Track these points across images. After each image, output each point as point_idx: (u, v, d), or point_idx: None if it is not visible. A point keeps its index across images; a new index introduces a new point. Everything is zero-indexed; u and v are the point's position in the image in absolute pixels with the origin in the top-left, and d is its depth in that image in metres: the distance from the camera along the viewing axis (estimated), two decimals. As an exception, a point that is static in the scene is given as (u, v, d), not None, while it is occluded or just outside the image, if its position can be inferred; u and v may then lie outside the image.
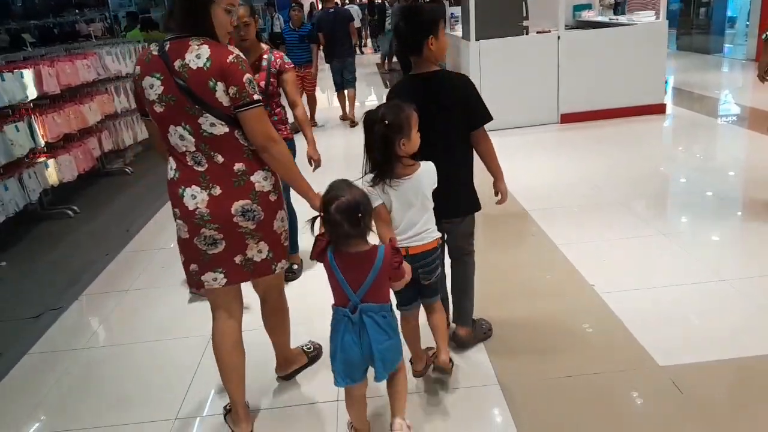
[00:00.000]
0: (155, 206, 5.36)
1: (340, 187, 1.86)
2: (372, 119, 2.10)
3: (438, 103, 2.34)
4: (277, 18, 15.79)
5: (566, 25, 8.06)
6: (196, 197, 2.03)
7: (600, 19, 8.05)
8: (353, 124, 7.88)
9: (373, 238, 1.97)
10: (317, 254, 1.94)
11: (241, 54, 1.98)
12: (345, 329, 1.95)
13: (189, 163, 2.02)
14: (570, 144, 6.20)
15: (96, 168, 6.25)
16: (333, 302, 1.98)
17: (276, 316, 2.46)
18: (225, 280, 2.13)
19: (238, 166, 2.03)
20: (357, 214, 1.81)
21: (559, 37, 6.61)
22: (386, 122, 2.06)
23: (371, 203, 1.97)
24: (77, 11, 8.37)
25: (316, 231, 1.92)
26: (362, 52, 18.50)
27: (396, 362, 2.06)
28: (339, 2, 12.47)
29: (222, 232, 2.05)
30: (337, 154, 6.67)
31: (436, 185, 2.22)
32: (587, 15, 8.13)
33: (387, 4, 13.86)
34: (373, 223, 1.95)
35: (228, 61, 1.91)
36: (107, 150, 6.43)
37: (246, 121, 1.96)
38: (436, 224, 2.30)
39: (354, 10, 19.41)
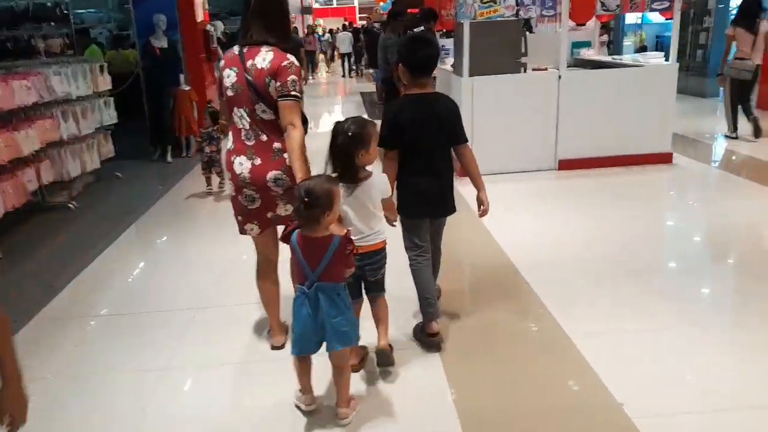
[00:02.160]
0: (93, 252, 4.59)
1: (317, 177, 2.28)
2: (338, 130, 2.46)
3: (434, 118, 2.76)
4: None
5: (564, 63, 7.54)
6: (242, 164, 2.64)
7: (601, 58, 7.52)
8: None
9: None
10: (284, 237, 2.31)
11: (296, 61, 2.59)
12: (302, 303, 2.25)
13: (242, 138, 2.64)
14: (570, 195, 5.57)
15: (32, 203, 5.45)
16: (296, 281, 2.32)
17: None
18: (258, 230, 2.80)
19: (276, 145, 2.62)
20: (310, 198, 2.12)
21: (560, 77, 6.03)
22: (350, 134, 2.42)
23: (330, 201, 2.18)
24: (35, 25, 7.64)
25: None
26: (313, 78, 18.06)
27: (349, 339, 2.30)
28: (333, 29, 13.48)
29: (258, 192, 2.66)
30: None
31: (387, 195, 2.60)
32: (586, 53, 7.60)
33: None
34: (335, 211, 2.22)
35: (282, 64, 2.54)
36: (48, 182, 5.64)
37: (281, 108, 2.54)
38: (430, 224, 2.91)
39: (346, 36, 19.16)
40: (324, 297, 2.21)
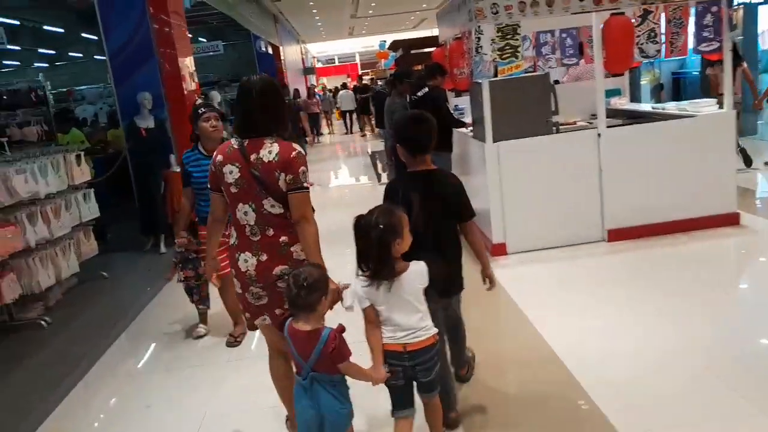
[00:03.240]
0: (59, 392, 3.71)
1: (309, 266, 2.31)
2: (366, 224, 2.28)
3: (437, 196, 2.69)
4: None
5: (592, 114, 6.75)
6: (248, 261, 2.56)
7: (637, 107, 6.72)
8: None
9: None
10: (278, 324, 2.45)
11: (302, 151, 2.55)
12: (300, 394, 2.25)
13: (247, 234, 2.57)
14: (629, 273, 4.65)
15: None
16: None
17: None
18: (270, 322, 2.65)
19: (283, 238, 2.55)
20: (300, 284, 2.17)
21: (599, 135, 5.20)
22: (381, 226, 2.25)
23: (321, 286, 2.21)
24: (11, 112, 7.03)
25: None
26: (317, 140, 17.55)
27: (344, 428, 2.30)
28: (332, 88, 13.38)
29: (265, 290, 2.57)
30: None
31: (426, 284, 2.37)
32: (618, 102, 6.80)
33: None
34: (321, 307, 2.21)
35: (291, 156, 2.47)
36: (12, 299, 4.82)
37: (292, 200, 2.48)
38: (438, 302, 2.64)
39: (348, 94, 18.78)
40: (320, 387, 2.21)
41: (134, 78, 7.11)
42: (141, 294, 5.67)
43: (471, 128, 6.03)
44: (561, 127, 5.53)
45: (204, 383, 3.81)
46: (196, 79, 7.70)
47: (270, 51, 18.31)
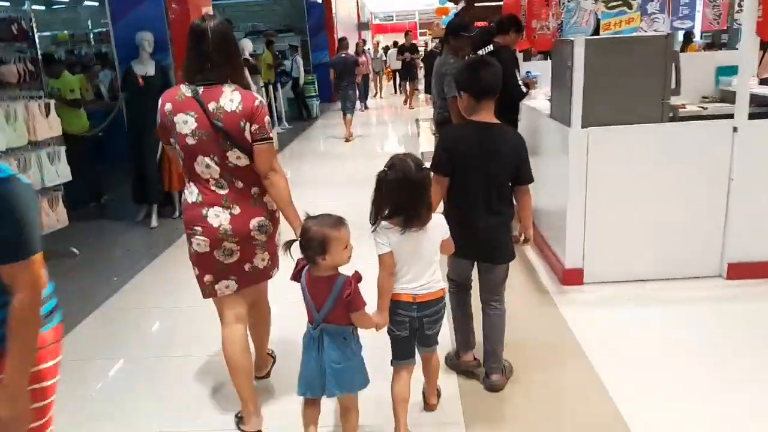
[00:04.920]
0: None
1: (323, 218, 2.12)
2: (404, 170, 2.15)
3: (498, 153, 2.52)
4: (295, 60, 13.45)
5: (704, 97, 5.11)
6: (219, 216, 2.39)
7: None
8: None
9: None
10: (294, 275, 2.21)
11: (264, 99, 2.51)
12: (309, 344, 2.20)
13: (212, 188, 2.40)
14: (750, 335, 3.18)
15: None
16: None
17: (264, 321, 2.85)
18: (236, 286, 2.50)
19: (255, 190, 2.45)
20: (302, 240, 2.10)
21: (735, 129, 3.64)
22: (422, 168, 2.19)
23: (323, 247, 2.06)
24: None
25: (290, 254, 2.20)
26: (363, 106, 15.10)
27: (352, 385, 2.22)
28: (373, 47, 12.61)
29: (240, 244, 2.42)
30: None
31: (448, 235, 2.33)
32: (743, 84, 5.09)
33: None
34: (335, 255, 2.07)
35: (255, 105, 2.35)
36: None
37: (258, 152, 2.36)
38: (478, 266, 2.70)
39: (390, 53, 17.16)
40: (328, 339, 2.15)
41: (134, 13, 5.85)
42: (106, 282, 4.50)
43: (544, 100, 4.55)
44: (680, 112, 4.00)
45: None
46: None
47: (321, 0, 16.80)
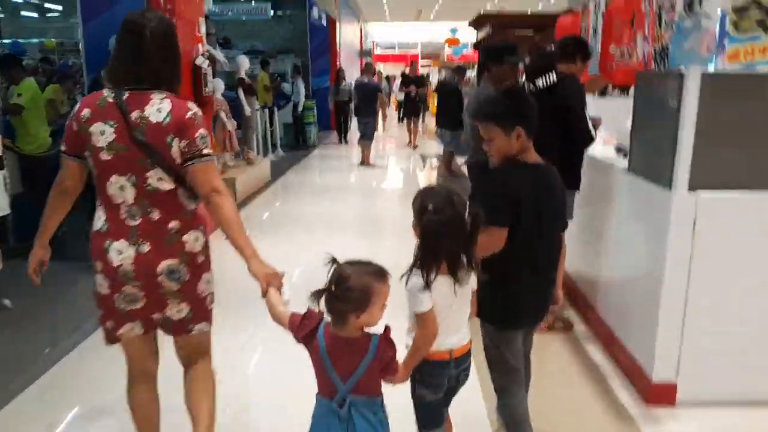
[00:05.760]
0: None
1: (362, 264, 1.74)
2: (446, 200, 1.86)
3: (554, 195, 2.22)
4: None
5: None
6: (122, 253, 1.98)
7: None
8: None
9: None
10: (306, 335, 1.76)
11: (199, 110, 2.05)
12: (330, 425, 1.76)
13: (122, 216, 2.00)
14: None
15: None
16: (317, 391, 1.79)
17: (199, 389, 2.27)
18: (142, 330, 2.11)
19: (173, 224, 2.02)
20: (339, 289, 1.68)
21: None
22: (468, 208, 1.89)
23: (365, 300, 1.68)
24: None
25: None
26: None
27: None
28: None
29: (144, 289, 2.01)
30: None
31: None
32: None
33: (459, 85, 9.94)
34: (373, 312, 1.71)
35: (186, 117, 1.97)
36: None
37: (194, 173, 1.97)
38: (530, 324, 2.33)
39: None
40: (359, 417, 1.73)
41: (109, 14, 4.88)
42: (40, 349, 3.45)
43: (606, 147, 3.60)
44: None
45: None
46: (203, 29, 5.40)
47: (325, 23, 16.01)
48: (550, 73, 3.40)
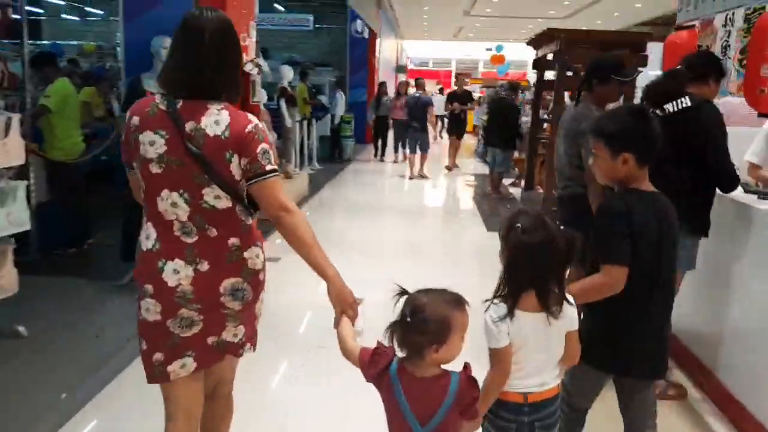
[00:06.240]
0: None
1: (436, 292, 1.59)
2: (547, 224, 1.70)
3: (671, 229, 2.00)
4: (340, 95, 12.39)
5: None
6: (179, 272, 1.81)
7: None
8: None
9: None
10: (377, 373, 1.60)
11: (260, 123, 1.88)
12: None
13: (176, 234, 1.82)
14: None
15: None
16: None
17: (220, 418, 2.15)
18: (194, 365, 1.90)
19: (233, 241, 1.86)
20: (415, 319, 1.52)
21: None
22: (563, 233, 1.74)
23: (443, 332, 1.52)
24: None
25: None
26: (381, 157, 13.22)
27: None
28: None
29: (203, 312, 1.85)
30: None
31: (575, 328, 1.79)
32: None
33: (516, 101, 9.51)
34: (452, 346, 1.54)
35: (246, 131, 1.80)
36: None
37: (257, 192, 1.83)
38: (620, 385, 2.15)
39: (440, 99, 15.82)
40: None
41: (153, 12, 4.45)
42: (57, 391, 2.95)
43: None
44: None
45: None
46: (253, 34, 4.95)
47: (366, 35, 15.64)
48: (684, 98, 2.83)
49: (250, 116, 1.86)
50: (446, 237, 7.23)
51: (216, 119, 1.78)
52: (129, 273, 4.55)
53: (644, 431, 2.18)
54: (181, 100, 1.79)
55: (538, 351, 1.75)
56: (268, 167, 1.82)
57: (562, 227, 1.76)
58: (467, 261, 6.08)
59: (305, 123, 10.41)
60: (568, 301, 1.75)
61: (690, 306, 3.10)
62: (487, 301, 1.72)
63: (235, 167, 1.80)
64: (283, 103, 8.76)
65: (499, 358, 1.72)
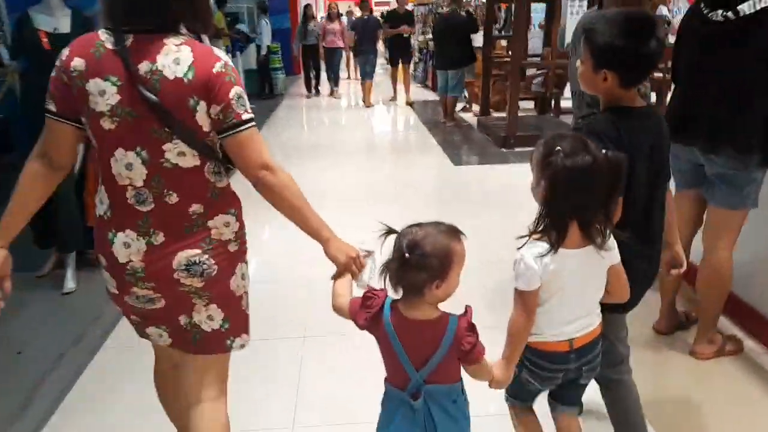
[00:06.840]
0: None
1: (431, 225, 1.46)
2: (589, 147, 1.51)
3: (665, 147, 1.86)
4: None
5: None
6: (130, 246, 1.55)
7: None
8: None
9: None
10: (369, 319, 1.49)
11: (230, 60, 1.54)
12: (403, 418, 1.54)
13: (129, 201, 1.55)
14: None
15: None
16: (386, 376, 1.56)
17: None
18: (170, 341, 1.68)
19: (195, 208, 1.56)
20: (413, 255, 1.40)
21: None
22: (610, 158, 1.52)
23: (445, 265, 1.42)
24: None
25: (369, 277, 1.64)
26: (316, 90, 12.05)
27: None
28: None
29: (160, 290, 1.58)
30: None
31: (618, 261, 1.65)
32: None
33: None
34: (451, 281, 1.43)
35: (215, 71, 1.47)
36: None
37: (232, 149, 1.54)
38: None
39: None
40: (437, 408, 1.50)
41: None
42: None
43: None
44: None
45: None
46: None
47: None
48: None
49: (217, 51, 1.52)
50: (414, 175, 6.54)
51: (175, 57, 1.46)
52: (47, 263, 3.72)
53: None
54: (131, 36, 1.47)
55: (583, 290, 1.64)
56: (245, 116, 1.52)
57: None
58: (443, 199, 5.51)
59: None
60: (612, 234, 1.60)
61: (748, 251, 2.69)
62: (521, 237, 1.56)
63: (203, 116, 1.50)
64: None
65: (524, 301, 1.60)
